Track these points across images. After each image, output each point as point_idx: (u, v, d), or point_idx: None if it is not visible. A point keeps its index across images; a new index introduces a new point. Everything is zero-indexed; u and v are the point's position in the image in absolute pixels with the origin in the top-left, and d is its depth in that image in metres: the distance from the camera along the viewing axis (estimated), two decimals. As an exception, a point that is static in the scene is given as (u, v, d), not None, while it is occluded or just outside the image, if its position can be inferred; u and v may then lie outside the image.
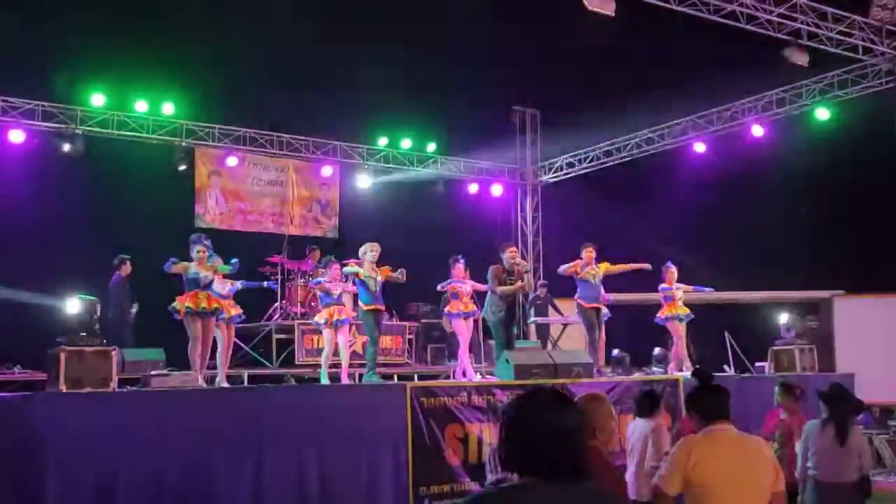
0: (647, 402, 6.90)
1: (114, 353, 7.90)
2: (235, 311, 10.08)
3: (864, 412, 6.51)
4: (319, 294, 10.36)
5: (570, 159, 18.48)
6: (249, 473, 7.50)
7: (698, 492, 4.03)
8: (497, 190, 18.88)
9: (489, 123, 18.46)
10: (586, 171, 18.17)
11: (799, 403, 7.64)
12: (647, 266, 11.49)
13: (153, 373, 8.62)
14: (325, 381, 9.85)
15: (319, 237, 16.31)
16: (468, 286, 10.59)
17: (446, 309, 10.74)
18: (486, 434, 8.96)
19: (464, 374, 10.45)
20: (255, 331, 12.70)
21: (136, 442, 7.00)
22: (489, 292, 10.36)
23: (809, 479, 6.57)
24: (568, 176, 18.71)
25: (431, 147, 17.80)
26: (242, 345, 12.07)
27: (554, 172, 18.99)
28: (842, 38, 12.34)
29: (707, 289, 12.56)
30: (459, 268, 10.59)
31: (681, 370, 11.22)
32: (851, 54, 12.70)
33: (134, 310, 12.02)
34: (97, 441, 6.86)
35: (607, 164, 17.61)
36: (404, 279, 9.92)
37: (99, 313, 8.28)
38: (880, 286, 14.46)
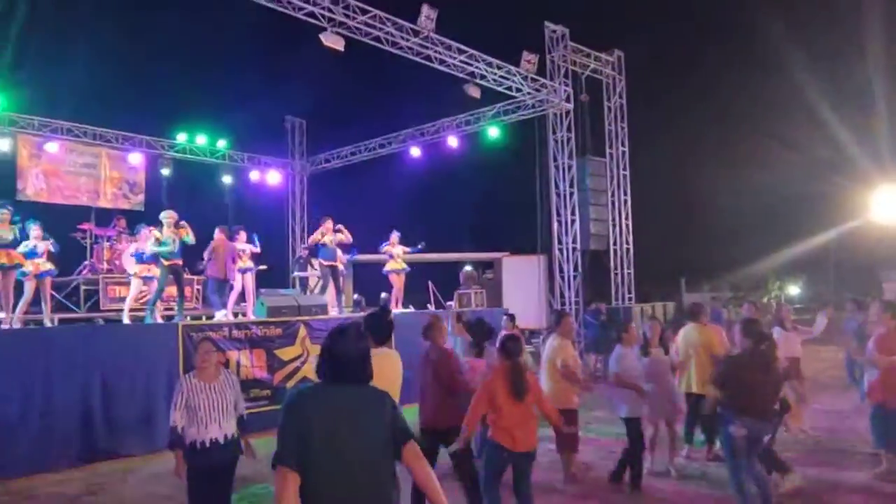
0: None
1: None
2: (44, 267, 8.75)
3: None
4: (134, 254, 9.83)
5: (328, 157, 18.60)
6: (39, 399, 7.11)
7: None
8: (274, 178, 18.60)
9: (268, 128, 18.25)
10: (339, 165, 18.42)
11: None
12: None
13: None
14: (126, 321, 9.27)
15: (128, 210, 15.25)
16: (245, 247, 10.55)
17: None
18: (244, 358, 9.00)
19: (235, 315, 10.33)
20: (67, 283, 11.67)
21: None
22: None
23: None
24: (325, 169, 18.86)
25: (222, 143, 17.16)
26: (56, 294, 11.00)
27: (315, 166, 19.03)
28: (502, 79, 13.38)
29: (418, 247, 12.46)
30: (241, 236, 10.56)
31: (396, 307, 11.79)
32: (508, 92, 13.75)
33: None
34: None
35: (353, 162, 17.98)
36: (194, 240, 9.46)
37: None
38: (525, 250, 16.04)
